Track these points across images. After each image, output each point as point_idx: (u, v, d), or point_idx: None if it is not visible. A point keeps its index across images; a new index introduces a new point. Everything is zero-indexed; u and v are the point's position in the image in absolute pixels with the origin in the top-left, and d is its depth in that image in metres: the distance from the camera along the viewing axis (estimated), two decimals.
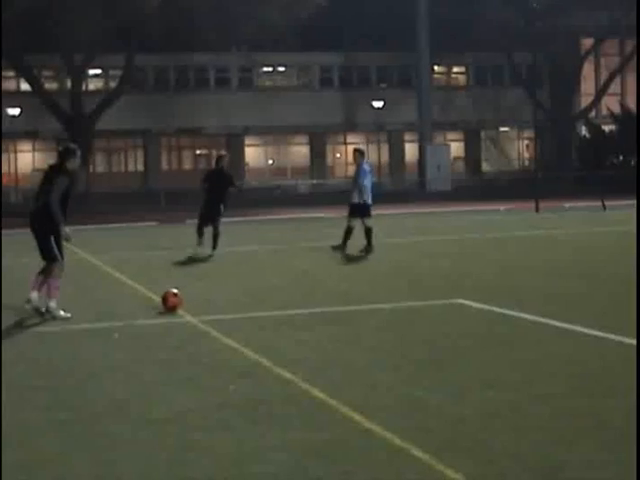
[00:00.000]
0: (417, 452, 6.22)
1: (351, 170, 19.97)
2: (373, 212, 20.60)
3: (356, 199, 20.29)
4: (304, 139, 61.38)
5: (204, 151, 60.56)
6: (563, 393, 7.70)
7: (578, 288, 14.14)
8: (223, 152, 23.35)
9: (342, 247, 20.14)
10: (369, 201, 20.26)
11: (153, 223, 34.11)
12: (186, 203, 45.46)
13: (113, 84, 54.65)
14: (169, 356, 9.61)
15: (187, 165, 60.46)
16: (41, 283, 12.59)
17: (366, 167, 20.52)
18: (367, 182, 20.22)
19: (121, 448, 6.55)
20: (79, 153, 12.97)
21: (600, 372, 8.43)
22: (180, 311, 12.34)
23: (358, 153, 20.90)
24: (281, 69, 61.67)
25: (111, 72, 56.49)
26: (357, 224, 20.38)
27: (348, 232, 20.29)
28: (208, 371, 8.85)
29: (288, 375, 8.52)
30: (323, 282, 15.60)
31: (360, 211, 20.26)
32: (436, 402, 7.50)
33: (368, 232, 20.10)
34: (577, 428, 6.71)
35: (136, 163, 59.65)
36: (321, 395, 7.77)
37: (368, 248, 19.96)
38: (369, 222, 20.26)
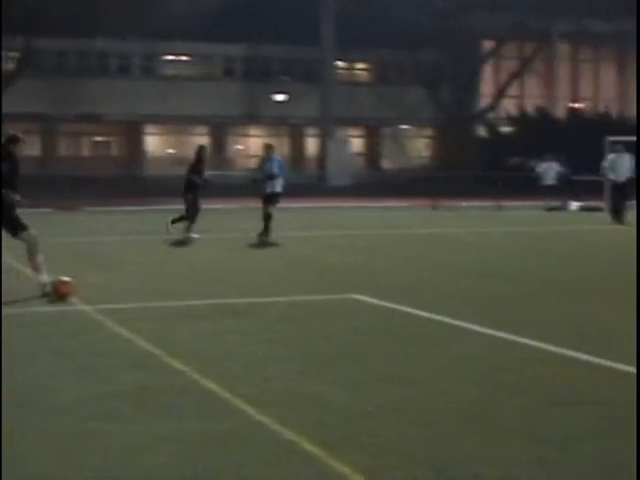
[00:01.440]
0: (308, 445, 6.23)
1: (253, 162, 21.11)
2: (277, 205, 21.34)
3: (269, 188, 21.40)
4: (205, 130, 61.12)
5: (103, 138, 59.87)
6: (456, 389, 7.79)
7: (472, 286, 14.32)
8: (204, 143, 24.91)
9: (265, 234, 21.06)
10: (278, 189, 21.52)
11: (50, 210, 33.55)
12: (83, 190, 45.06)
13: (12, 66, 53.66)
14: (63, 345, 9.49)
15: (85, 152, 59.72)
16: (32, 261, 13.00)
17: (279, 159, 22.02)
18: (278, 172, 21.50)
19: (12, 437, 6.43)
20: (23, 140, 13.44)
21: (492, 369, 8.55)
22: (76, 299, 12.19)
23: (269, 147, 22.30)
24: (184, 59, 61.29)
25: (10, 54, 55.48)
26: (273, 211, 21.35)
27: (267, 219, 21.27)
28: (102, 360, 8.75)
29: (182, 366, 8.47)
30: (223, 273, 15.55)
31: (270, 199, 21.36)
32: (331, 396, 7.52)
33: (268, 218, 21.16)
34: (468, 423, 6.80)
35: (33, 148, 58.68)
36: (215, 386, 7.74)
37: (264, 233, 21.05)
38: (272, 210, 21.22)
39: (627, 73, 65.91)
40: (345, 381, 8.01)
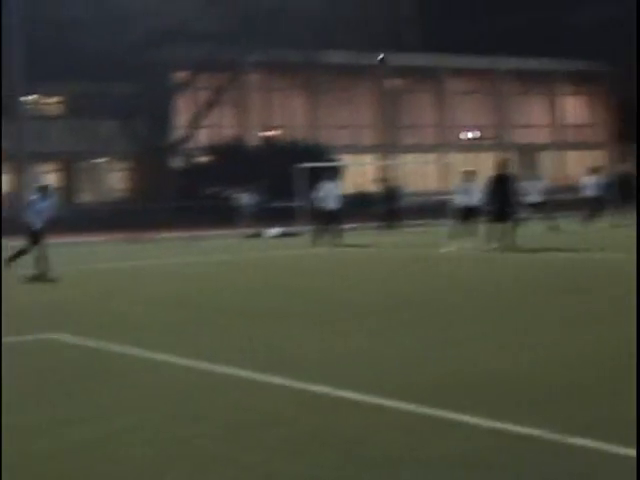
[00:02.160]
0: None
1: None
2: None
3: (39, 225, 22.69)
4: None
5: None
6: (149, 422, 7.70)
7: (169, 317, 14.30)
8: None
9: (15, 259, 22.47)
10: (40, 226, 22.73)
11: None
12: None
13: None
14: None
15: None
16: None
17: (44, 197, 23.62)
18: (43, 210, 23.15)
19: None
20: None
21: (186, 398, 8.54)
22: None
23: (41, 187, 24.90)
24: None
25: None
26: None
27: (22, 253, 22.66)
28: None
29: None
30: None
31: (35, 235, 22.51)
32: (13, 441, 7.23)
33: (22, 253, 22.63)
34: (166, 455, 6.74)
35: None
36: None
37: (12, 259, 22.49)
38: (31, 246, 22.49)
39: (317, 100, 68.07)
40: (29, 424, 7.74)
